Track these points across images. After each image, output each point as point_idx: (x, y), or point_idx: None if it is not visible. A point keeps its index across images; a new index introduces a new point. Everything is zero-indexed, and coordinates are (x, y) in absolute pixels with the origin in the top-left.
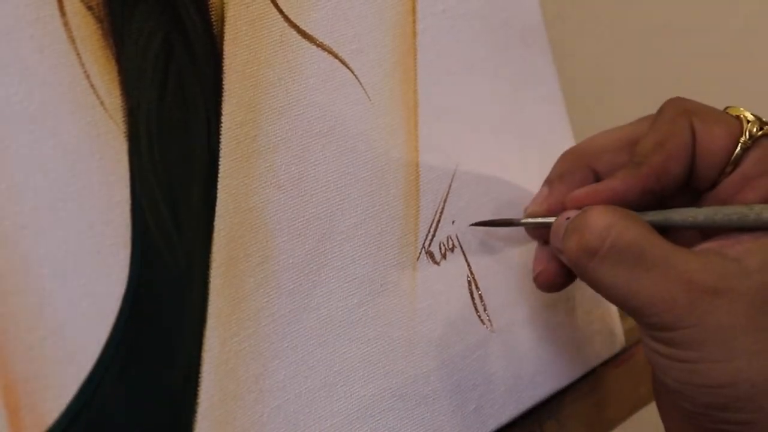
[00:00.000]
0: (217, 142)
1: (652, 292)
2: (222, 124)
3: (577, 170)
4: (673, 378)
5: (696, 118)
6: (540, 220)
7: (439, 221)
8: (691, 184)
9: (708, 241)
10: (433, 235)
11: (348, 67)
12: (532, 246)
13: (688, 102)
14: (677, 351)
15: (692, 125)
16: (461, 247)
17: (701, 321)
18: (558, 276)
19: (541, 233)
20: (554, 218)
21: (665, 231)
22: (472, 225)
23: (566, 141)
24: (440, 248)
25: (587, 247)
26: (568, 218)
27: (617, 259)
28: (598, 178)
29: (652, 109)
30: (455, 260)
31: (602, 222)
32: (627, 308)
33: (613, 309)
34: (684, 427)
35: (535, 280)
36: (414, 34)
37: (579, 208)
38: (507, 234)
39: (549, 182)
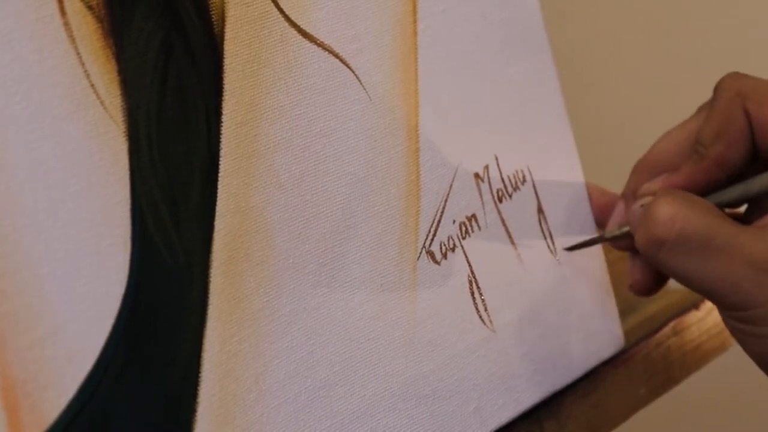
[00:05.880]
0: (218, 141)
1: (719, 276)
2: (222, 124)
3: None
4: (751, 351)
5: (749, 100)
6: (624, 230)
7: (440, 221)
8: (758, 159)
9: None
10: (434, 235)
11: (349, 67)
12: (532, 245)
13: (741, 80)
14: (751, 327)
15: (746, 108)
16: (462, 247)
17: None
18: (652, 282)
19: (627, 244)
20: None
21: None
22: (567, 249)
23: (566, 141)
24: (441, 248)
25: (656, 240)
26: (642, 205)
27: (684, 248)
28: None
29: (652, 109)
30: (456, 260)
31: (667, 213)
32: (701, 292)
33: (614, 309)
34: None
35: (631, 288)
36: (415, 33)
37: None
38: (506, 234)
39: (625, 198)
